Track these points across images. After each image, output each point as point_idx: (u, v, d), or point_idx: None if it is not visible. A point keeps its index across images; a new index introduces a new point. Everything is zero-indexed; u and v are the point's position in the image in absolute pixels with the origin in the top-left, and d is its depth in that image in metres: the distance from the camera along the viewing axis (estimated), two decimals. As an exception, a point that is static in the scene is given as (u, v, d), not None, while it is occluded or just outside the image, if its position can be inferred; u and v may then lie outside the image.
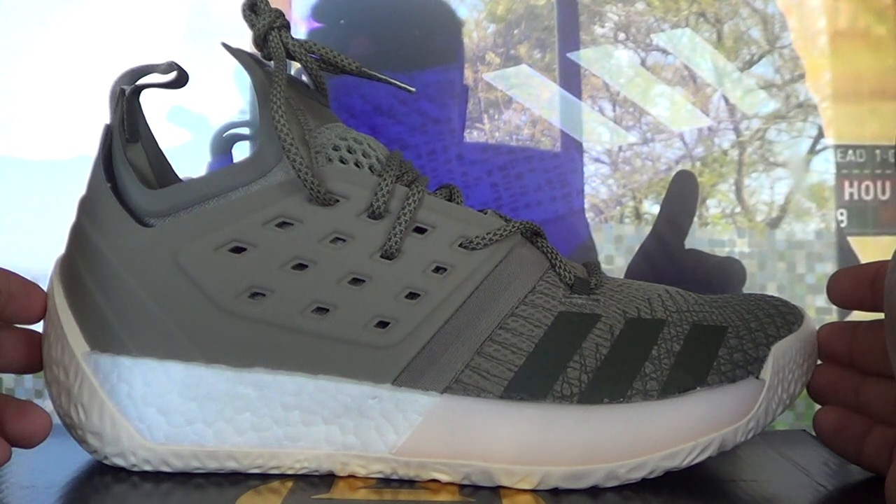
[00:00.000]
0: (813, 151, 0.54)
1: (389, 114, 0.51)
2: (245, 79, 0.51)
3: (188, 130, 0.51)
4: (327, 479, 0.34)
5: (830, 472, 0.37)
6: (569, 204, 0.52)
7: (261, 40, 0.36)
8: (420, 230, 0.34)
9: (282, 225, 0.33)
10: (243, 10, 0.36)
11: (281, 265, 0.33)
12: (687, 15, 0.54)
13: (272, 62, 0.35)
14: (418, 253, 0.34)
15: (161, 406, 0.34)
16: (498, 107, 0.53)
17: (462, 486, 0.34)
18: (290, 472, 0.34)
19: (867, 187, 0.54)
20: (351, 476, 0.35)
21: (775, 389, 0.35)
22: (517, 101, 0.53)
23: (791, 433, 0.46)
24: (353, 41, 0.52)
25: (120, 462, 0.34)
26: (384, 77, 0.38)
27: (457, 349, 0.33)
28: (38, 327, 0.36)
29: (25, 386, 0.49)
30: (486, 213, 0.36)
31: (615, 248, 0.53)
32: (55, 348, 0.35)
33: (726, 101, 0.54)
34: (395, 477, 0.34)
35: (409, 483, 0.34)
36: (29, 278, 0.35)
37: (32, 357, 0.36)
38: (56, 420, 0.35)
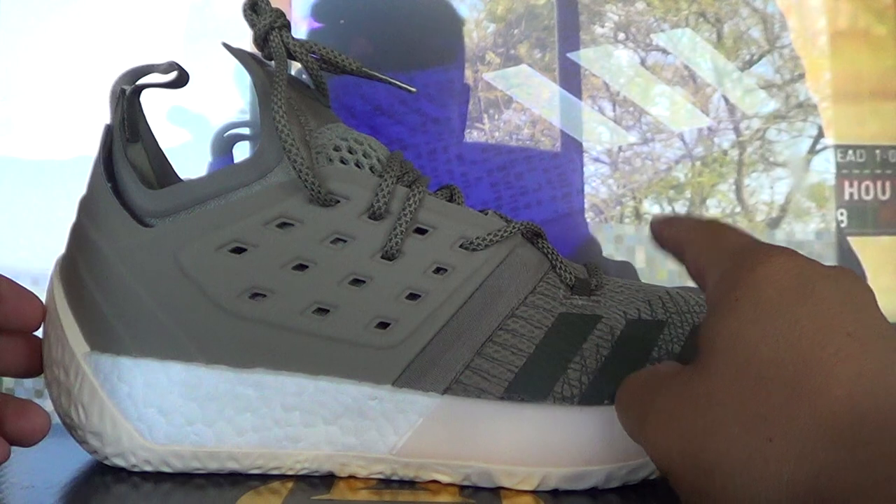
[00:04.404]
0: (813, 151, 0.54)
1: (389, 114, 0.51)
2: (245, 79, 0.51)
3: (189, 130, 0.51)
4: (327, 480, 0.34)
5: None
6: (569, 204, 0.52)
7: (261, 40, 0.36)
8: (421, 231, 0.34)
9: (282, 225, 0.33)
10: (244, 10, 0.36)
11: (281, 266, 0.33)
12: (687, 15, 0.54)
13: (273, 62, 0.35)
14: (419, 254, 0.34)
15: (161, 406, 0.34)
16: (498, 107, 0.53)
17: (462, 487, 0.34)
18: (290, 472, 0.34)
19: (867, 187, 0.54)
20: (351, 477, 0.35)
21: (775, 390, 0.34)
22: (517, 101, 0.53)
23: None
24: (353, 41, 0.52)
25: (120, 462, 0.34)
26: (385, 77, 0.38)
27: (457, 350, 0.33)
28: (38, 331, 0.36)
29: (25, 386, 0.49)
30: (486, 214, 0.36)
31: (615, 248, 0.53)
32: (55, 348, 0.35)
33: (726, 101, 0.54)
34: (395, 478, 0.34)
35: (410, 484, 0.34)
36: (29, 278, 0.35)
37: (32, 361, 0.36)
38: (56, 420, 0.35)
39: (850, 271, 0.27)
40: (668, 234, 0.33)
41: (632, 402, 0.30)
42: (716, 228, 0.32)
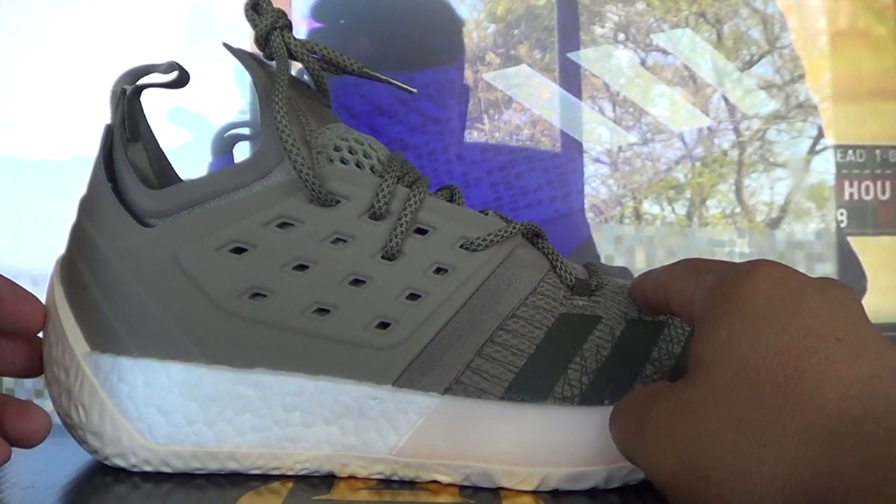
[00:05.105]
0: (813, 151, 0.54)
1: (389, 114, 0.51)
2: (245, 79, 0.51)
3: (189, 130, 0.51)
4: (327, 480, 0.34)
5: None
6: (569, 204, 0.52)
7: (263, 40, 0.36)
8: (421, 231, 0.34)
9: (283, 225, 0.33)
10: (245, 10, 0.36)
11: (282, 266, 0.33)
12: (687, 15, 0.54)
13: (274, 62, 0.35)
14: (419, 254, 0.34)
15: (162, 406, 0.34)
16: (498, 107, 0.53)
17: (462, 488, 0.34)
18: (290, 472, 0.34)
19: (867, 187, 0.54)
20: (351, 477, 0.35)
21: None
22: (517, 101, 0.53)
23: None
24: (353, 41, 0.52)
25: (120, 462, 0.34)
26: (385, 77, 0.38)
27: (457, 350, 0.33)
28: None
29: (25, 386, 0.49)
30: (487, 214, 0.36)
31: (615, 249, 0.53)
32: (55, 348, 0.35)
33: (726, 101, 0.54)
34: (395, 478, 0.34)
35: (410, 484, 0.34)
36: (29, 279, 0.35)
37: (32, 361, 0.36)
38: (56, 420, 0.35)
39: (835, 280, 0.28)
40: (648, 281, 0.34)
41: (626, 417, 0.30)
42: (694, 261, 0.32)
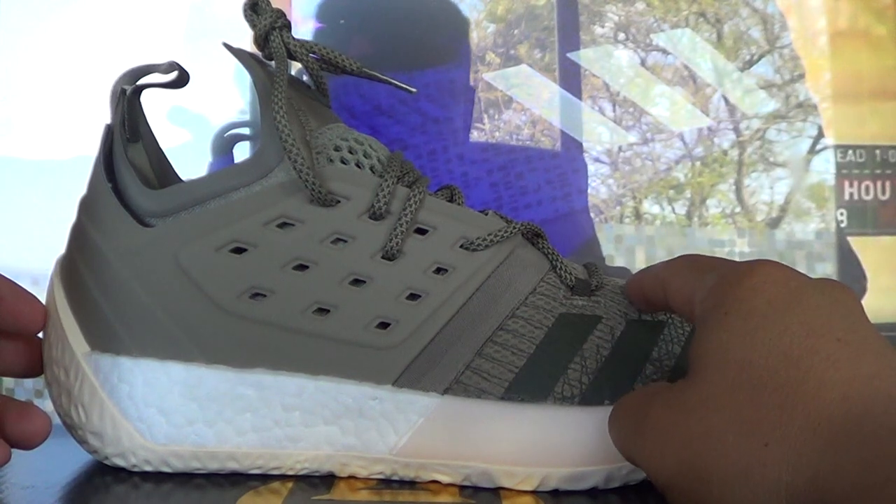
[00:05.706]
0: (813, 151, 0.54)
1: (389, 114, 0.51)
2: (246, 79, 0.51)
3: (189, 130, 0.51)
4: (327, 480, 0.34)
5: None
6: (569, 204, 0.52)
7: (262, 40, 0.36)
8: (421, 231, 0.34)
9: (283, 225, 0.33)
10: (244, 10, 0.36)
11: (282, 266, 0.33)
12: (687, 15, 0.54)
13: (273, 62, 0.35)
14: (419, 254, 0.34)
15: (162, 406, 0.34)
16: (498, 107, 0.53)
17: (462, 488, 0.34)
18: (290, 472, 0.34)
19: (867, 187, 0.54)
20: (351, 477, 0.35)
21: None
22: (517, 101, 0.53)
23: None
24: (353, 41, 0.52)
25: (120, 462, 0.34)
26: (385, 77, 0.38)
27: (457, 350, 0.33)
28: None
29: (25, 386, 0.49)
30: (487, 214, 0.36)
31: (615, 248, 0.53)
32: (55, 348, 0.35)
33: (726, 101, 0.54)
34: (395, 478, 0.34)
35: (410, 484, 0.34)
36: (29, 278, 0.35)
37: (32, 361, 0.36)
38: (56, 420, 0.35)
39: (835, 281, 0.28)
40: (646, 278, 0.33)
41: (625, 418, 0.30)
42: (693, 258, 0.32)
